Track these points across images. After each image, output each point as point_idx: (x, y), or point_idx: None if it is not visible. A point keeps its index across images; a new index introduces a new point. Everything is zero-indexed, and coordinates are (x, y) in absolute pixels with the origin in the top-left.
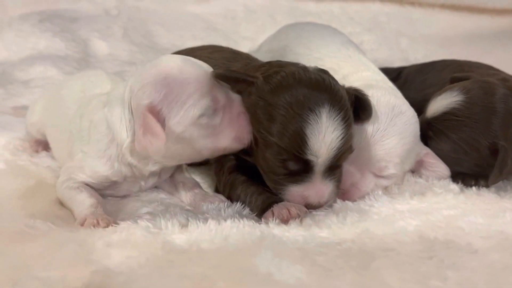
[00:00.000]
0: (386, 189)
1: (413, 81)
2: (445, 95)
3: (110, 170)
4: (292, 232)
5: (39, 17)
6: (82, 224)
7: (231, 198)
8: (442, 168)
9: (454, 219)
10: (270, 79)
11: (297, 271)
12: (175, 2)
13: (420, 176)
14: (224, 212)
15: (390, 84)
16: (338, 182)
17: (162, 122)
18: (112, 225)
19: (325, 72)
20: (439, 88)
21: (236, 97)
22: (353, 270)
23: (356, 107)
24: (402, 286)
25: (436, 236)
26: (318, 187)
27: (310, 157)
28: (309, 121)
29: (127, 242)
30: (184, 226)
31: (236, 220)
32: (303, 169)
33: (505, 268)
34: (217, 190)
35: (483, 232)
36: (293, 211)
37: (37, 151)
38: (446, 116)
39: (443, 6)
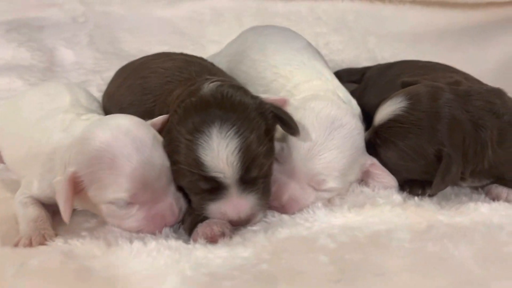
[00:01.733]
0: (328, 200)
1: (373, 85)
2: (390, 102)
3: (45, 192)
4: (216, 253)
5: (7, 27)
6: (15, 245)
7: None
8: (388, 179)
9: (380, 235)
10: (172, 118)
11: None
12: (143, 7)
13: (367, 186)
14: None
15: (341, 93)
16: (263, 194)
17: (81, 188)
18: (49, 240)
19: (223, 85)
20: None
21: (169, 201)
22: None
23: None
24: None
25: (352, 257)
26: (235, 202)
27: (215, 174)
28: (201, 143)
29: (39, 270)
30: (110, 245)
31: (163, 241)
32: (216, 187)
33: None
34: None
35: (402, 251)
36: (215, 228)
37: None
38: (391, 123)
39: (414, 2)
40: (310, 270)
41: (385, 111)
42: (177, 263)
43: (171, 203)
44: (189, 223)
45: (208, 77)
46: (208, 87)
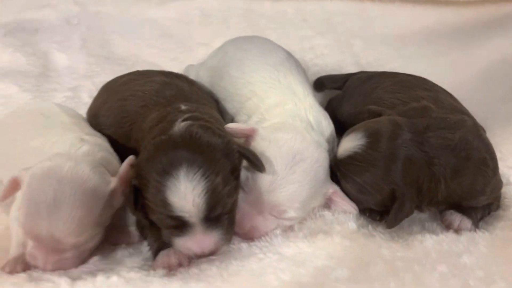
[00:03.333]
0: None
1: (350, 97)
2: (351, 137)
3: None
4: (171, 286)
5: (3, 30)
6: (2, 269)
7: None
8: (348, 207)
9: (321, 273)
10: (142, 154)
11: None
12: (135, 7)
13: (329, 209)
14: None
15: (312, 115)
16: (228, 228)
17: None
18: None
19: (193, 125)
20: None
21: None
22: None
23: None
24: None
25: None
26: (199, 239)
27: (181, 214)
28: (168, 185)
29: None
30: (75, 280)
31: (124, 273)
32: (182, 224)
33: None
34: None
35: None
36: (172, 259)
37: None
38: (349, 160)
39: (404, 0)
40: None
41: (345, 146)
42: None
43: (44, 259)
44: (155, 249)
45: (182, 107)
46: (179, 126)
